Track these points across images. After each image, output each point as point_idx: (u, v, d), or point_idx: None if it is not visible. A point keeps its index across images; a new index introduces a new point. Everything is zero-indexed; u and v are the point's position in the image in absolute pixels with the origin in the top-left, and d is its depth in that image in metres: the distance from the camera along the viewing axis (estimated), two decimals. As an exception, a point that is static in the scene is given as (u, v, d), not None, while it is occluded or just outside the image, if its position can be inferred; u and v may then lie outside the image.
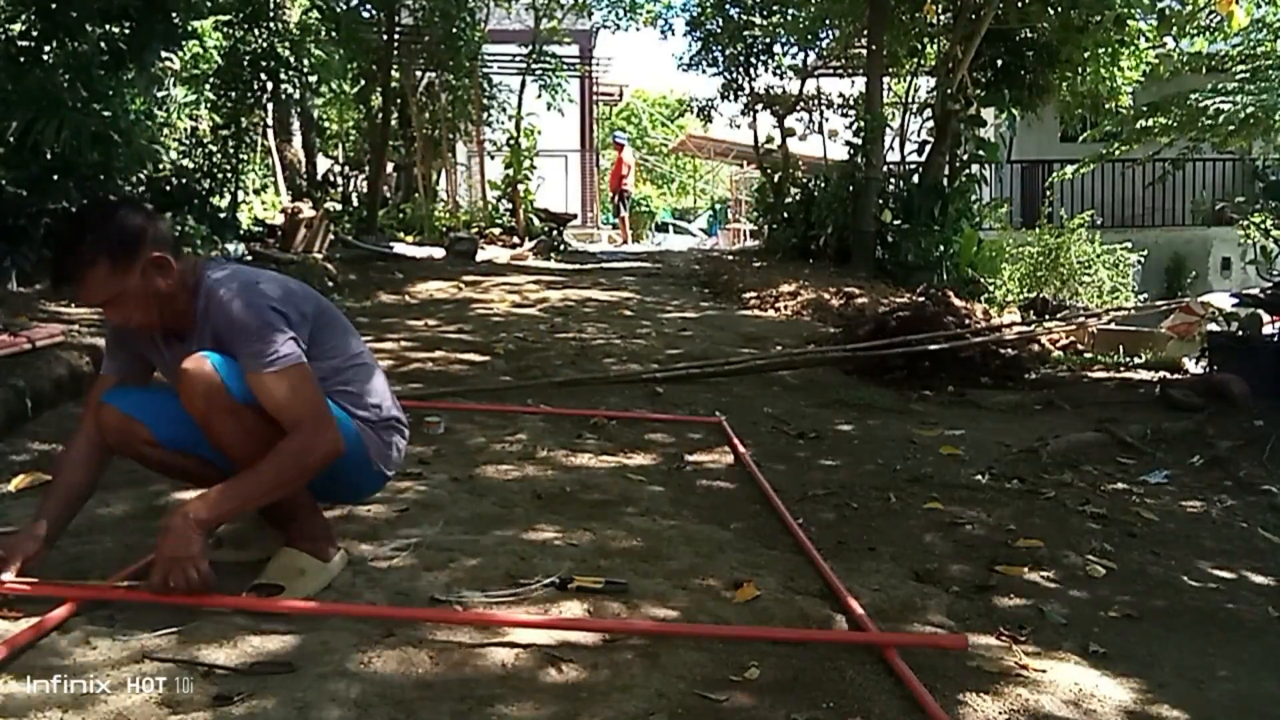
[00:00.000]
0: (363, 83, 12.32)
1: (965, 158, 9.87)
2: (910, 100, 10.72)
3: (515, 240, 13.15)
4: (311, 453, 1.99)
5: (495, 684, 1.78)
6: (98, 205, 3.07)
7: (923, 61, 10.75)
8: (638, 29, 18.48)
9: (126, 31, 5.79)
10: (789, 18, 11.60)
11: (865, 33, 10.40)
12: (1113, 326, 7.10)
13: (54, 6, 5.48)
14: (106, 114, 5.42)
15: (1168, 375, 5.66)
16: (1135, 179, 12.95)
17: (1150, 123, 9.15)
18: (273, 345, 1.97)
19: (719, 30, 12.18)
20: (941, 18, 9.93)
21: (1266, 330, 5.22)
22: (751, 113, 12.52)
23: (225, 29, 8.03)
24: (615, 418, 3.98)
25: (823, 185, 10.55)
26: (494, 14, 15.40)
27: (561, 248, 13.11)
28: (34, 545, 2.00)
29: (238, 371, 1.98)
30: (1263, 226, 9.05)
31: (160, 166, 6.92)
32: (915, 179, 9.90)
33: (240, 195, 9.01)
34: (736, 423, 3.95)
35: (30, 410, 3.44)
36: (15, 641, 1.78)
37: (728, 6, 12.09)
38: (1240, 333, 5.35)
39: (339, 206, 11.96)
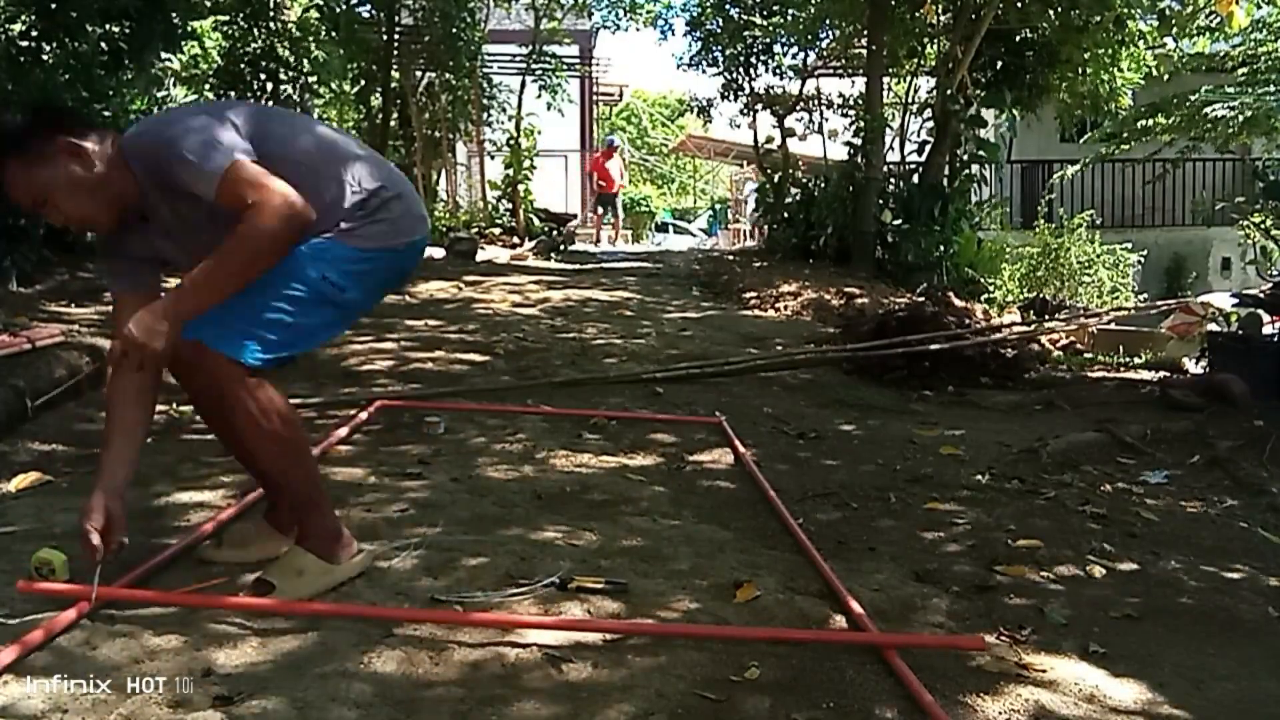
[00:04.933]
0: (363, 83, 12.33)
1: (965, 158, 9.88)
2: (910, 100, 10.72)
3: (515, 240, 13.16)
4: (265, 218, 1.87)
5: (495, 684, 1.78)
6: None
7: (923, 61, 10.75)
8: (638, 29, 18.54)
9: (126, 31, 5.80)
10: (789, 18, 11.60)
11: (865, 33, 10.41)
12: (1113, 326, 7.11)
13: (54, 6, 5.49)
14: (106, 114, 5.43)
15: (1168, 375, 5.67)
16: (1135, 179, 12.96)
17: (1150, 123, 9.15)
18: (207, 158, 1.90)
19: (719, 30, 12.18)
20: (941, 18, 9.93)
21: (1266, 330, 5.23)
22: (751, 113, 12.52)
23: (225, 29, 8.04)
24: (615, 418, 3.98)
25: (823, 185, 10.56)
26: (494, 14, 15.42)
27: (564, 247, 13.12)
28: (111, 501, 1.97)
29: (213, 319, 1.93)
30: (1263, 226, 9.06)
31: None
32: (915, 179, 9.90)
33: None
34: (736, 423, 3.95)
35: (30, 410, 3.44)
36: (28, 642, 1.78)
37: (728, 6, 12.09)
38: (1240, 333, 5.35)
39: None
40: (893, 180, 10.15)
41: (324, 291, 2.03)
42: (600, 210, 17.63)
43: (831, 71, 13.18)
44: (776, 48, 12.24)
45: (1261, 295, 5.58)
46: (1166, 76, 10.38)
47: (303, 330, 2.05)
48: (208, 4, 7.12)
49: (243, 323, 1.97)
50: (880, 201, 9.59)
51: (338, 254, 2.05)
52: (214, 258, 1.91)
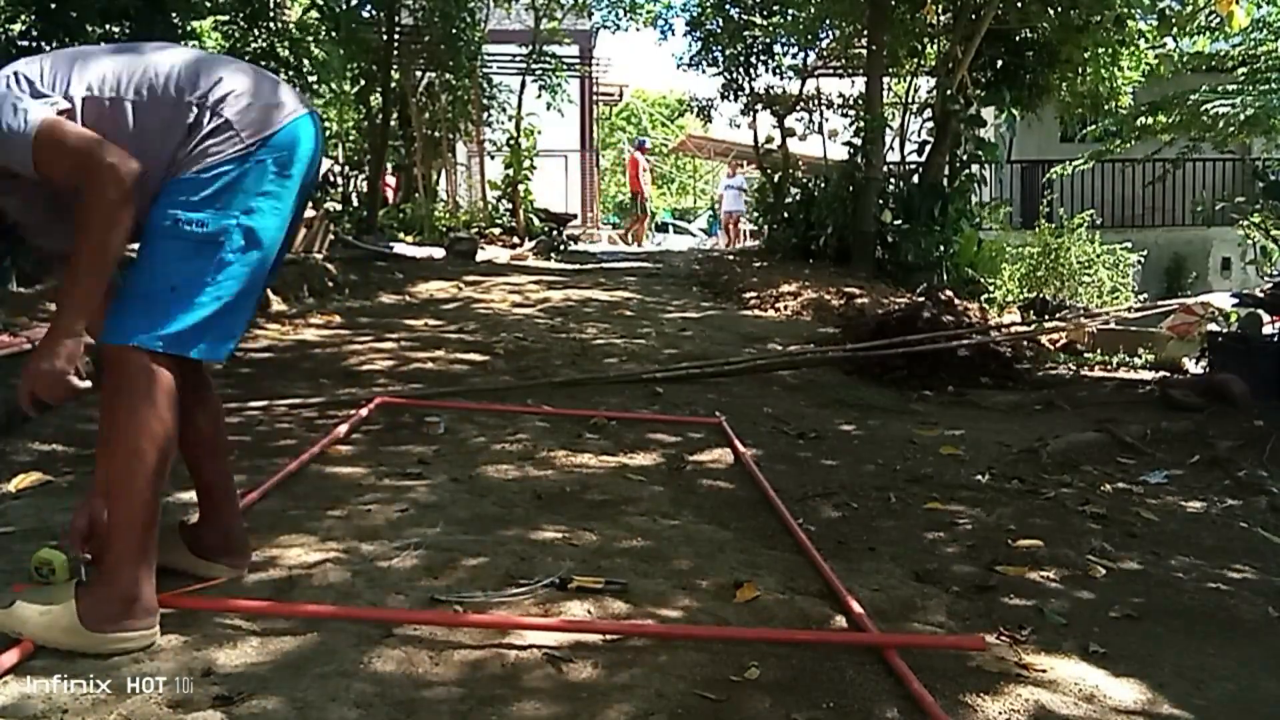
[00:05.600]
0: (363, 83, 12.31)
1: (965, 158, 9.88)
2: (910, 100, 10.73)
3: (515, 240, 13.17)
4: (99, 198, 1.74)
5: (495, 684, 1.78)
6: None
7: (923, 61, 10.76)
8: (638, 29, 18.57)
9: (126, 31, 5.80)
10: (789, 18, 11.60)
11: (865, 33, 10.41)
12: (1113, 326, 7.11)
13: (54, 6, 5.49)
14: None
15: (1168, 375, 5.67)
16: (1135, 179, 12.95)
17: (1150, 121, 9.17)
18: (15, 123, 1.74)
19: (719, 30, 12.18)
20: (941, 18, 9.93)
21: (1266, 330, 5.23)
22: (751, 113, 12.52)
23: (225, 29, 8.02)
24: (615, 418, 3.98)
25: (823, 185, 10.56)
26: (494, 14, 15.42)
27: (564, 247, 13.13)
28: (96, 500, 1.89)
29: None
30: (1263, 226, 9.06)
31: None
32: (915, 179, 9.91)
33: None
34: (736, 423, 3.95)
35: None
36: (26, 648, 1.78)
37: (728, 6, 12.09)
38: (1240, 333, 5.35)
39: (339, 206, 11.96)
40: (893, 180, 10.15)
41: (183, 235, 1.83)
42: (639, 211, 18.05)
43: (831, 71, 13.17)
44: (776, 48, 12.24)
45: (1261, 295, 5.58)
46: (1167, 77, 10.38)
47: (193, 289, 1.84)
48: (208, 4, 7.10)
49: (127, 309, 1.86)
50: (880, 201, 9.59)
51: (177, 190, 1.84)
52: (70, 264, 1.80)
